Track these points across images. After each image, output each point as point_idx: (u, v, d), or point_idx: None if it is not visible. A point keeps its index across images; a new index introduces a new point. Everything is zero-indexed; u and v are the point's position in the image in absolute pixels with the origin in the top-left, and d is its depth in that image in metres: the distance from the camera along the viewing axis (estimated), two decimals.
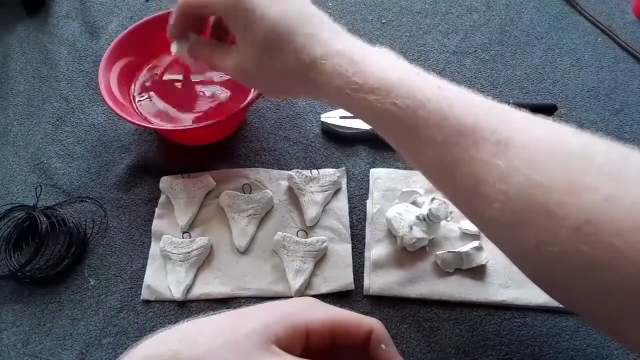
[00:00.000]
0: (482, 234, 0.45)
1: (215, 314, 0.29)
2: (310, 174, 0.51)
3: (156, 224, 0.50)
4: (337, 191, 0.52)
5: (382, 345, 0.28)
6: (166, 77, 0.58)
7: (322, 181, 0.51)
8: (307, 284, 0.46)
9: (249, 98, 0.53)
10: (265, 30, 0.37)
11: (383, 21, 0.68)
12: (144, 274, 0.47)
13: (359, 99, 0.34)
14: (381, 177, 0.52)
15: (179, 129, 0.55)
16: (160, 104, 0.55)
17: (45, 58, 0.65)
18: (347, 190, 0.52)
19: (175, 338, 0.27)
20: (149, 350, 0.26)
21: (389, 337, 0.29)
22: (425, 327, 0.44)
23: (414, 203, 0.49)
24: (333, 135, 0.56)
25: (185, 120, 0.54)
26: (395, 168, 0.53)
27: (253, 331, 0.26)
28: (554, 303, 0.44)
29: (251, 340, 0.26)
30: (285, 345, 0.27)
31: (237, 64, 0.40)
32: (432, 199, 0.47)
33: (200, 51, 0.44)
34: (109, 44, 0.55)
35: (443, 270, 0.46)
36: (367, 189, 0.52)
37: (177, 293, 0.45)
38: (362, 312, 0.44)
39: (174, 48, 0.45)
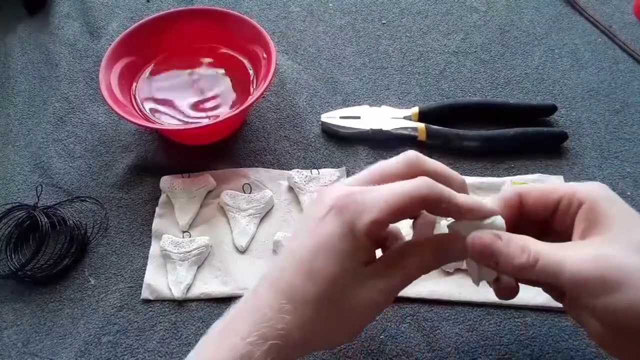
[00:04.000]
0: None
1: None
2: (310, 174, 0.51)
3: (156, 224, 0.50)
4: None
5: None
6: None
7: (322, 181, 0.51)
8: None
9: (249, 98, 0.53)
10: None
11: (383, 21, 0.68)
12: (144, 273, 0.47)
13: None
14: None
15: (180, 129, 0.55)
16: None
17: (46, 58, 0.65)
18: None
19: None
20: None
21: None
22: (425, 326, 0.44)
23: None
24: (333, 135, 0.56)
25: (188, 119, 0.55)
26: None
27: None
28: (554, 303, 0.43)
29: None
30: None
31: (600, 253, 0.29)
32: None
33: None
34: (110, 44, 0.55)
35: (443, 270, 0.46)
36: None
37: (177, 292, 0.45)
38: None
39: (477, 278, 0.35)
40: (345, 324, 0.32)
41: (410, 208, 0.31)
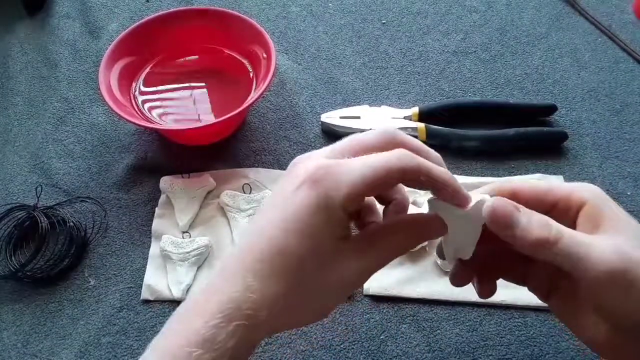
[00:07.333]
0: None
1: None
2: None
3: (156, 224, 0.50)
4: None
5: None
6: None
7: None
8: None
9: (249, 98, 0.53)
10: None
11: (383, 21, 0.68)
12: (144, 274, 0.47)
13: None
14: None
15: (180, 129, 0.55)
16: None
17: (45, 58, 0.65)
18: None
19: None
20: None
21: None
22: (425, 327, 0.44)
23: (413, 203, 0.49)
24: (333, 135, 0.56)
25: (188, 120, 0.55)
26: None
27: None
28: None
29: None
30: None
31: (620, 245, 0.28)
32: None
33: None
34: (110, 44, 0.55)
35: (443, 270, 0.46)
36: None
37: (177, 293, 0.45)
38: (361, 312, 0.44)
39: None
40: (315, 304, 0.30)
41: (388, 180, 0.29)
